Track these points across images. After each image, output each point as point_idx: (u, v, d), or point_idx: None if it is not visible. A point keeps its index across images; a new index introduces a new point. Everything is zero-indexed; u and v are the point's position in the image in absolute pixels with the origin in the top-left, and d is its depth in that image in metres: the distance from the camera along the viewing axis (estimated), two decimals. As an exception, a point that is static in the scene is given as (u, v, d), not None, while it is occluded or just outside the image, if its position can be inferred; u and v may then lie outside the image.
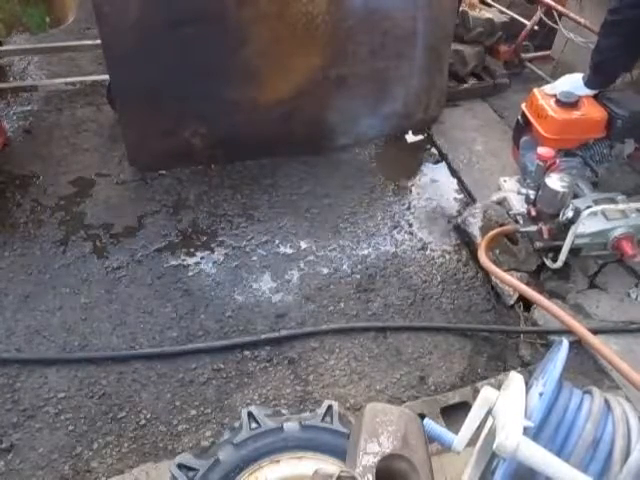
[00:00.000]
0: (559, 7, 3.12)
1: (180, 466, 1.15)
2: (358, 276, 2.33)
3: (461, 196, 2.76)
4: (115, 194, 2.66)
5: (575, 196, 2.14)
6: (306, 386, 1.92)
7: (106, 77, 2.81)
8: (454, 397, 1.82)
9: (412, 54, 2.82)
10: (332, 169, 2.85)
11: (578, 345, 1.87)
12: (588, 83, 2.24)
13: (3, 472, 1.67)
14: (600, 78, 2.24)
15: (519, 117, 2.44)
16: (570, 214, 2.03)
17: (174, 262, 2.34)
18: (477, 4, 3.44)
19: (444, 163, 2.97)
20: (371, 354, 2.03)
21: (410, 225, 2.58)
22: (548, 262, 2.20)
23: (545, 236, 2.14)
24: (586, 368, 1.88)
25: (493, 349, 2.08)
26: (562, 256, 2.09)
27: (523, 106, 2.41)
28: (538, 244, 2.18)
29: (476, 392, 1.73)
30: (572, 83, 2.27)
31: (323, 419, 1.25)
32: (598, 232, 2.08)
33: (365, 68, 2.75)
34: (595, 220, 2.07)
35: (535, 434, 1.05)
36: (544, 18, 3.27)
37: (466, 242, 2.48)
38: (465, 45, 3.31)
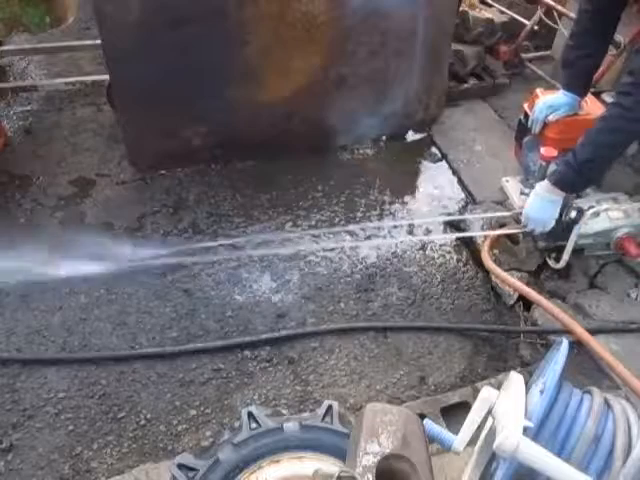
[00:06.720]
0: (559, 7, 3.12)
1: (180, 466, 1.15)
2: (358, 276, 2.32)
3: (461, 196, 2.76)
4: (115, 194, 2.66)
5: (577, 196, 2.13)
6: (306, 386, 1.92)
7: (106, 77, 2.80)
8: (454, 397, 1.82)
9: (412, 54, 2.82)
10: (332, 169, 2.85)
11: (578, 345, 1.86)
12: (564, 186, 1.90)
13: (3, 472, 1.67)
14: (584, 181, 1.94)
15: (521, 117, 2.44)
16: (573, 214, 2.03)
17: (174, 262, 2.34)
18: (477, 4, 3.44)
19: (444, 163, 2.97)
20: (371, 354, 2.03)
21: (410, 225, 2.58)
22: (551, 262, 2.20)
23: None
24: (586, 368, 1.88)
25: (493, 349, 2.08)
26: (565, 256, 2.09)
27: (525, 106, 2.40)
28: (541, 244, 2.18)
29: (476, 392, 1.72)
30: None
31: (323, 419, 1.24)
32: (601, 232, 2.08)
33: (365, 68, 2.75)
34: (598, 220, 2.07)
35: (536, 432, 1.05)
36: (544, 18, 3.27)
37: (466, 242, 2.48)
38: (465, 45, 3.30)
